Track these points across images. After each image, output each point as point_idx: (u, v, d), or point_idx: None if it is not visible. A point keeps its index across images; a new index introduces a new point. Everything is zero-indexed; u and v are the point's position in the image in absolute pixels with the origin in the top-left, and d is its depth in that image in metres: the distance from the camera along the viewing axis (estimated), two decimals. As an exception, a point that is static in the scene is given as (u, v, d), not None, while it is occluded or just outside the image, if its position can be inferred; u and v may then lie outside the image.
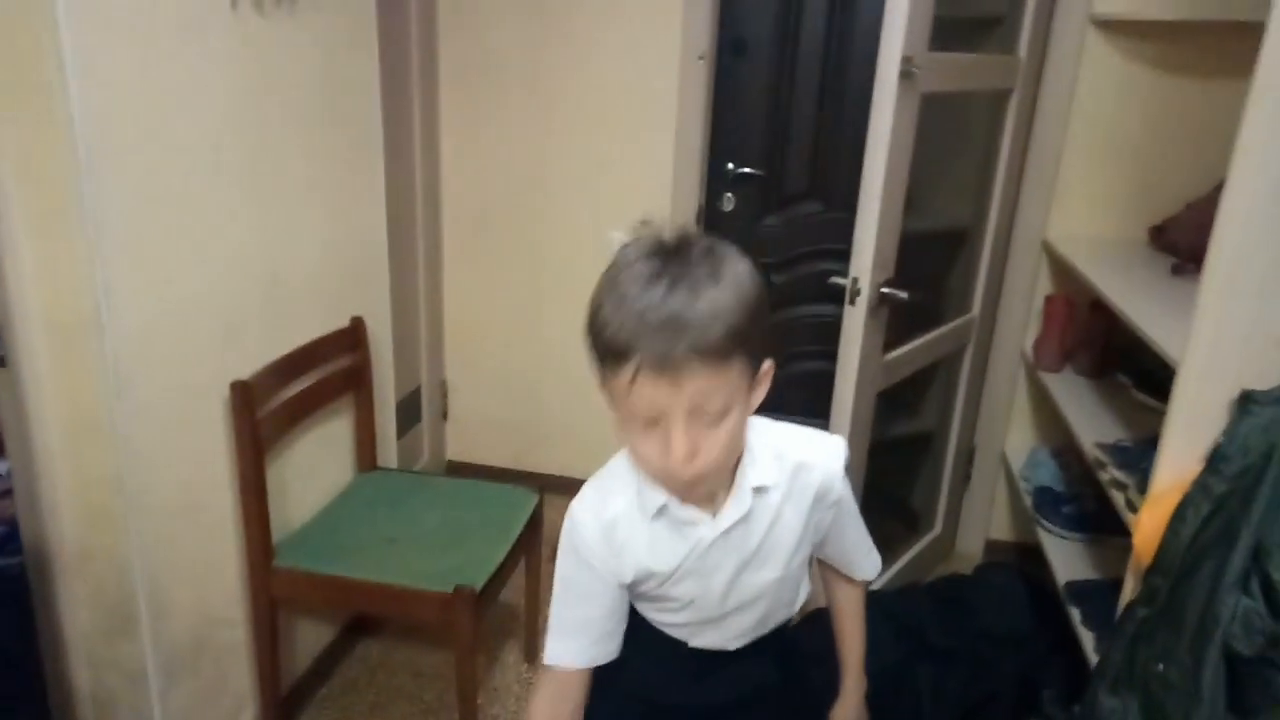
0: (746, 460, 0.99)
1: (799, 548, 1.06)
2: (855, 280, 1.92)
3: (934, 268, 2.51)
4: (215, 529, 1.73)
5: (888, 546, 2.49)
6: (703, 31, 2.52)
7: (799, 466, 1.03)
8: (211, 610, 1.73)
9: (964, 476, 2.65)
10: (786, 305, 2.98)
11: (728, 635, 1.10)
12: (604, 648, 1.06)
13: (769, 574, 1.05)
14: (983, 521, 2.70)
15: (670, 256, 0.85)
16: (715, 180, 2.81)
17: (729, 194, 2.85)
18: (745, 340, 0.86)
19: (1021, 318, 2.50)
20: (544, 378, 2.90)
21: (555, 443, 2.96)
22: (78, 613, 1.55)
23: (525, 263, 2.81)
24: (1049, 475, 2.33)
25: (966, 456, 2.63)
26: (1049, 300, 2.40)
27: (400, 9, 2.45)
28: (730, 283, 0.85)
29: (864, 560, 1.20)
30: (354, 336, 2.04)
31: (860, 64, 2.69)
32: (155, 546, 1.55)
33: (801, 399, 3.01)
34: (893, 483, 2.67)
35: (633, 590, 1.05)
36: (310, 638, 2.10)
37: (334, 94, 1.95)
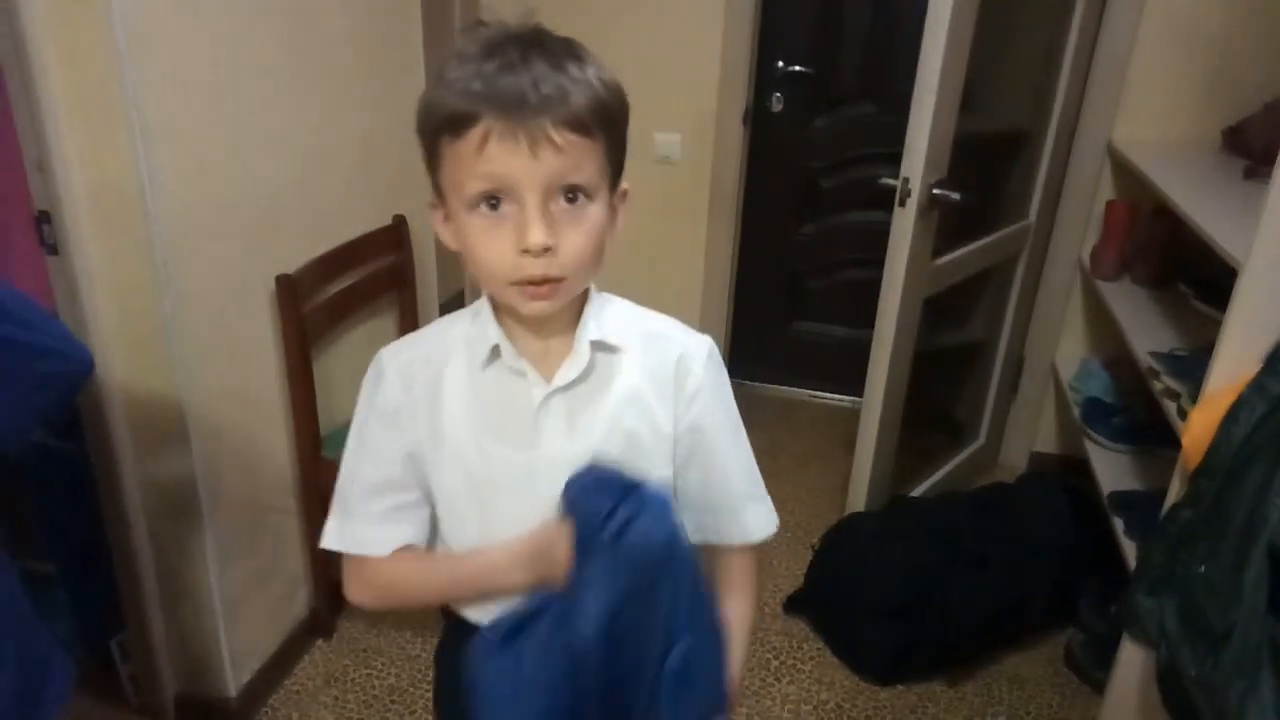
0: (589, 313, 0.84)
1: (655, 449, 0.85)
2: (906, 180, 1.86)
3: (989, 171, 2.42)
4: (265, 419, 1.78)
5: (929, 457, 2.48)
6: (753, -80, 2.40)
7: (655, 335, 0.88)
8: (264, 497, 1.80)
9: (1011, 387, 2.61)
10: (834, 211, 2.91)
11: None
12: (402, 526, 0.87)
13: None
14: (1028, 433, 2.66)
15: (522, 37, 0.74)
16: (764, 79, 2.73)
17: (777, 94, 2.77)
18: (610, 124, 0.76)
19: (1080, 225, 2.41)
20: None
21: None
22: (139, 495, 1.61)
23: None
24: (1100, 386, 2.28)
25: (1015, 367, 2.58)
26: (1110, 206, 2.30)
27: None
28: (594, 65, 0.76)
29: (752, 513, 0.91)
30: (396, 235, 2.05)
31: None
32: (209, 434, 1.60)
33: (846, 308, 2.99)
34: (937, 392, 2.64)
35: (438, 472, 0.85)
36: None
37: (374, 21, 1.91)
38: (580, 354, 0.83)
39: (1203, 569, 1.21)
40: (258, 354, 1.72)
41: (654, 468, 0.85)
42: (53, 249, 1.44)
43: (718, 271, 2.80)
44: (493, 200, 0.73)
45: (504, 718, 0.77)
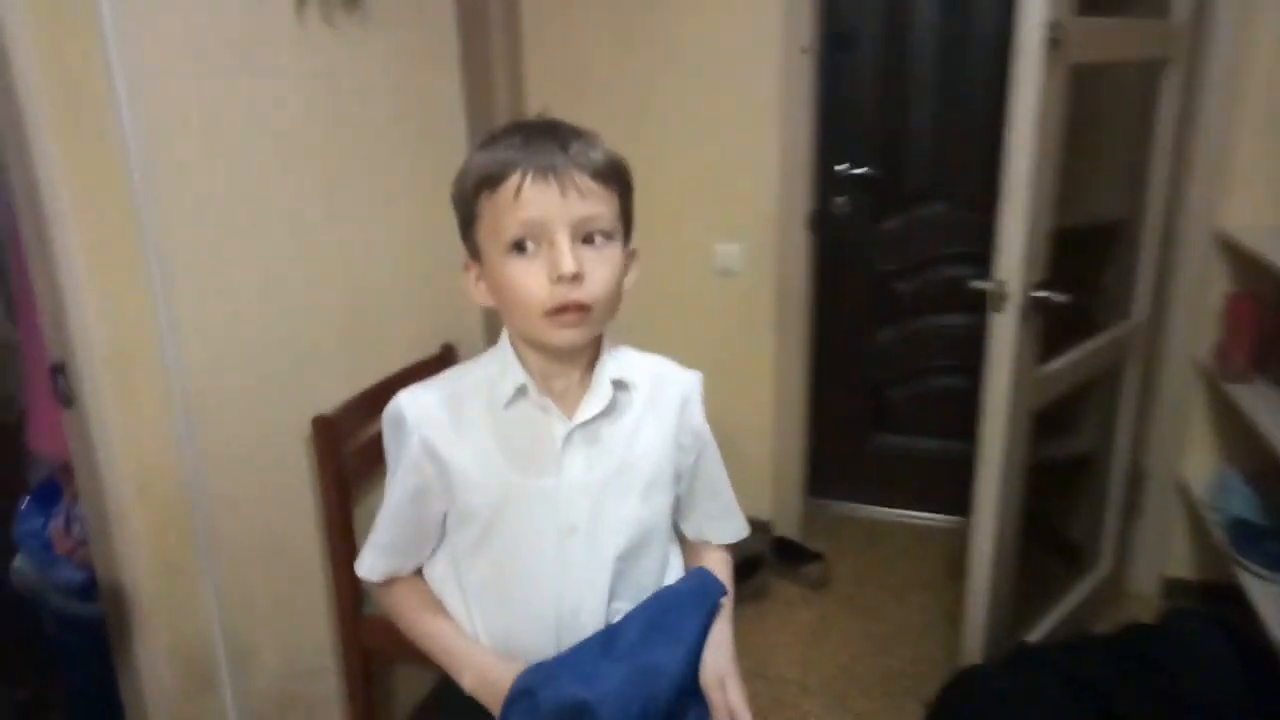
0: (605, 356, 0.96)
1: (660, 477, 0.98)
2: (1001, 283, 1.66)
3: (1085, 268, 2.21)
4: (300, 574, 1.61)
5: (1046, 587, 2.19)
6: (805, 22, 2.31)
7: (659, 376, 1.00)
8: (298, 661, 1.61)
9: (1133, 505, 2.31)
10: (912, 315, 2.72)
11: (565, 600, 0.94)
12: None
13: (629, 504, 0.95)
14: (1158, 557, 2.34)
15: (544, 120, 0.90)
16: (827, 183, 2.59)
17: (842, 197, 2.63)
18: (622, 183, 0.91)
19: (1194, 320, 2.17)
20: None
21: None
22: (157, 667, 1.45)
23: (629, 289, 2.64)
24: (1245, 504, 1.98)
25: (1135, 482, 2.29)
26: (1231, 299, 2.06)
27: (482, 20, 2.34)
28: (606, 144, 0.90)
29: (729, 523, 1.09)
30: (445, 365, 1.91)
31: (982, 47, 2.43)
32: (234, 596, 1.45)
33: (934, 419, 2.75)
34: (1046, 511, 2.36)
35: (462, 502, 0.94)
36: (408, 686, 1.96)
37: (415, 108, 1.84)
38: (601, 391, 0.94)
39: None
40: (292, 503, 1.57)
41: (657, 492, 0.98)
42: (67, 401, 1.33)
43: (790, 384, 2.61)
44: (528, 243, 0.85)
45: None
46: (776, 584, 2.47)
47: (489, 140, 0.88)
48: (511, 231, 0.85)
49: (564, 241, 0.84)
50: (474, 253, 0.92)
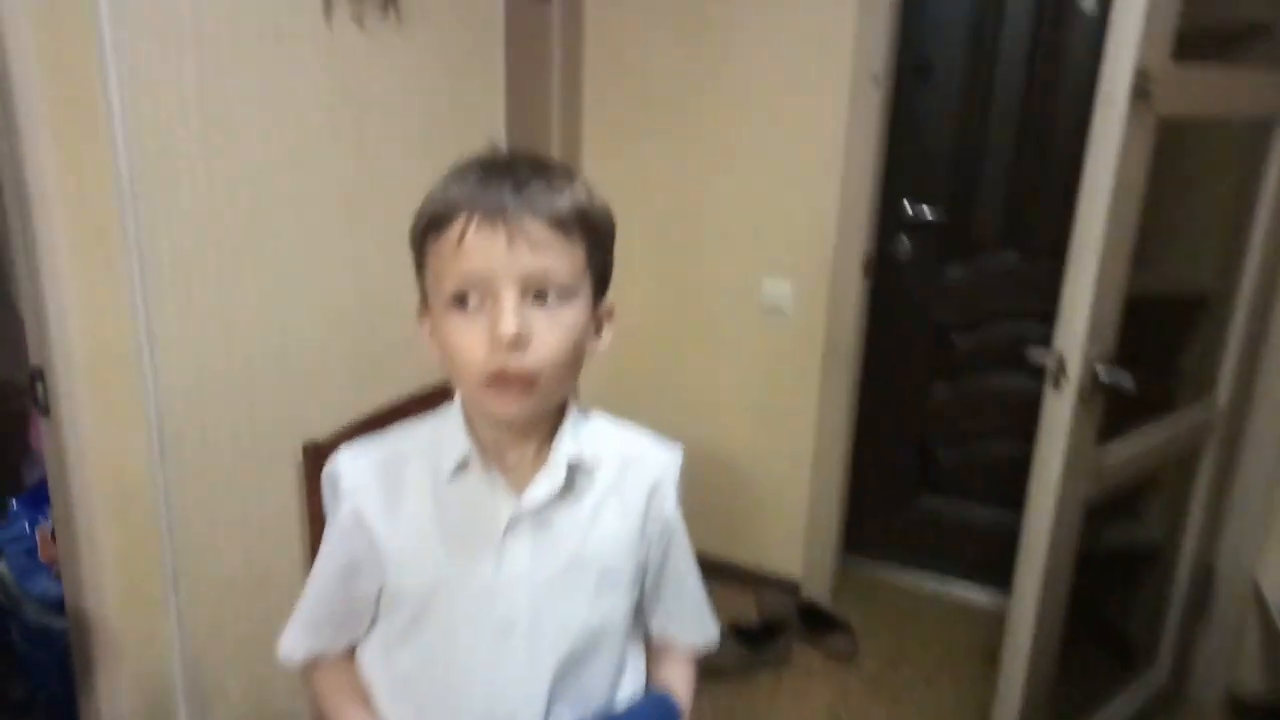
0: (565, 427, 0.84)
1: (617, 575, 0.85)
2: (1060, 357, 1.50)
3: (1161, 341, 2.01)
4: (278, 610, 1.51)
5: (1094, 686, 1.99)
6: (878, 50, 2.17)
7: (629, 457, 0.88)
8: (268, 703, 1.53)
9: (1199, 605, 2.09)
10: (971, 372, 2.53)
11: (499, 705, 0.82)
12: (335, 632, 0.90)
13: (576, 604, 0.83)
14: (1223, 666, 2.12)
15: (514, 155, 0.79)
16: (889, 223, 2.44)
17: (904, 239, 2.47)
18: (592, 231, 0.78)
19: (1286, 407, 1.95)
20: (683, 437, 2.58)
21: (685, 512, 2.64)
22: (118, 698, 1.38)
23: (669, 315, 2.53)
24: (1327, 621, 1.76)
25: (1202, 580, 2.07)
26: (1329, 387, 1.84)
27: (541, 32, 2.26)
28: (585, 185, 0.79)
29: (697, 626, 0.96)
30: (450, 395, 1.82)
31: (1073, 89, 2.25)
32: (202, 629, 1.37)
33: (987, 485, 2.56)
34: (1103, 604, 2.16)
35: (392, 583, 0.84)
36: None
37: (449, 122, 1.75)
38: (554, 472, 0.82)
39: None
40: (276, 534, 1.49)
41: (613, 591, 0.85)
42: (45, 409, 1.27)
43: (832, 434, 2.45)
44: (470, 297, 0.74)
45: None
46: (800, 650, 2.31)
47: (449, 174, 0.78)
48: (452, 283, 0.75)
49: (508, 299, 0.73)
50: (424, 304, 0.83)
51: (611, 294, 0.86)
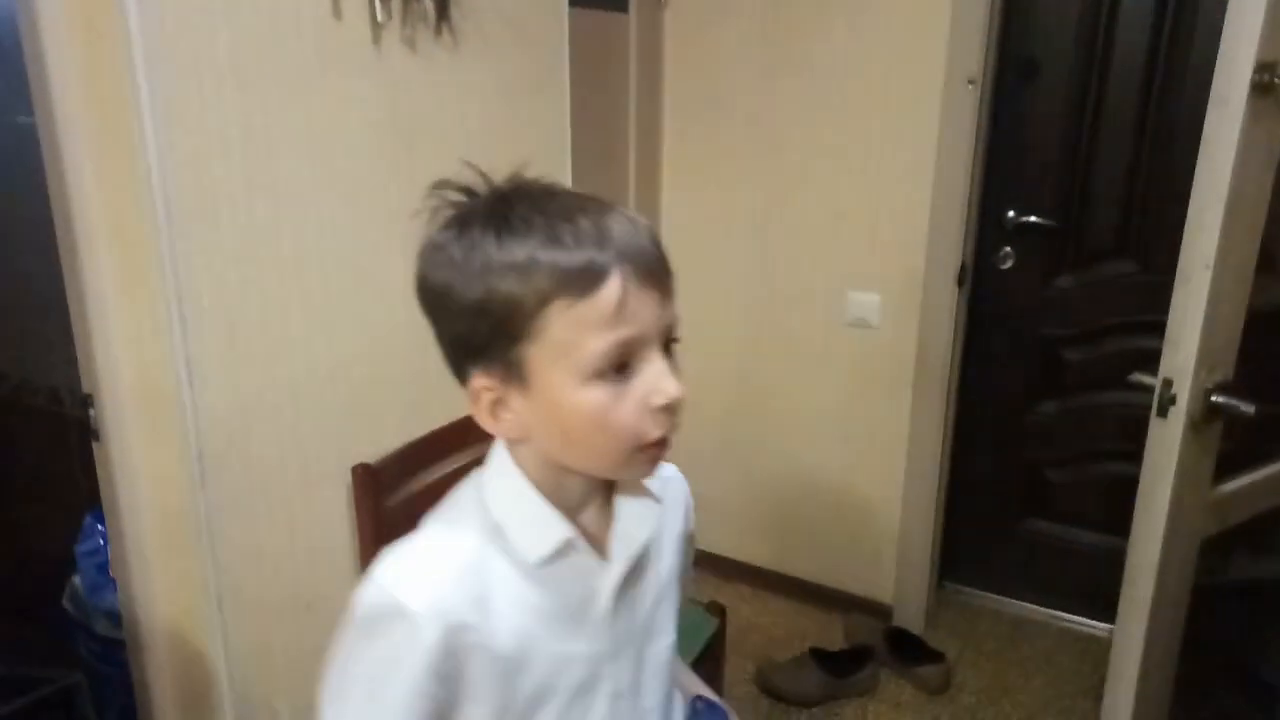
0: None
1: (676, 592, 0.83)
2: (1168, 383, 1.33)
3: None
4: (330, 631, 1.52)
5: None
6: (973, 50, 2.02)
7: (664, 479, 0.82)
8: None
9: (1347, 657, 1.85)
10: (1083, 389, 2.34)
11: None
12: None
13: (667, 639, 0.81)
14: (1378, 727, 1.86)
15: (553, 187, 0.69)
16: (990, 231, 2.27)
17: (1008, 248, 2.29)
18: None
19: None
20: (768, 453, 2.48)
21: (768, 531, 2.54)
22: (167, 715, 1.40)
23: (753, 331, 2.43)
24: None
25: (1352, 629, 1.83)
26: None
27: (618, 58, 2.21)
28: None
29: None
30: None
31: (1195, 85, 2.03)
32: (250, 651, 1.37)
33: (1100, 508, 2.36)
34: (1239, 643, 1.93)
35: (497, 696, 0.71)
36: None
37: (512, 143, 1.71)
38: (646, 513, 0.77)
39: None
40: (326, 558, 1.49)
41: (673, 622, 0.82)
42: (95, 434, 1.30)
43: (925, 453, 2.30)
44: (623, 363, 0.65)
45: None
46: (888, 679, 2.17)
47: (494, 218, 0.65)
48: (610, 351, 0.64)
49: (660, 359, 0.66)
50: (506, 375, 0.68)
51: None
